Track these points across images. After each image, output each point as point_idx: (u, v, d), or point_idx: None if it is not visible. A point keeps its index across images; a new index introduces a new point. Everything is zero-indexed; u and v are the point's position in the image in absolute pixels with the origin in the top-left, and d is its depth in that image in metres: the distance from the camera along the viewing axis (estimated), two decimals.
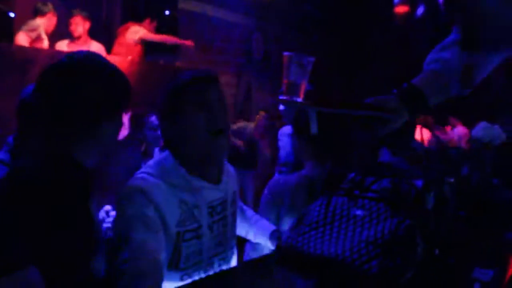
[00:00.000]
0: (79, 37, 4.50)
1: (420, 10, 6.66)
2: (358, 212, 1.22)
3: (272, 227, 1.68)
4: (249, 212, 1.76)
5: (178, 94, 1.34)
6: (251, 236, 1.73)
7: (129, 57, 4.78)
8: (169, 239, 1.27)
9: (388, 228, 1.11)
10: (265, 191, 1.88)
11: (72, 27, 4.45)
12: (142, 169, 1.36)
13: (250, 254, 1.85)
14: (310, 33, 6.31)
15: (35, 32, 4.22)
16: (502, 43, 1.22)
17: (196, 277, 1.34)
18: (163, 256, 1.22)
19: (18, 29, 4.20)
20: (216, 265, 1.41)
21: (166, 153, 1.39)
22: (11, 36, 4.30)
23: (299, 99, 1.17)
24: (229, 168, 1.55)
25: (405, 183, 1.25)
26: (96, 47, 4.60)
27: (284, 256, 1.26)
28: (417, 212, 1.16)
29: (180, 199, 1.31)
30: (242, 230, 1.72)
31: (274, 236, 1.63)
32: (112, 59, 4.43)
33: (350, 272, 1.08)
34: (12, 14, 3.82)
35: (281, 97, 1.17)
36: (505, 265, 1.27)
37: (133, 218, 1.21)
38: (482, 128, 2.49)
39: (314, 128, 1.22)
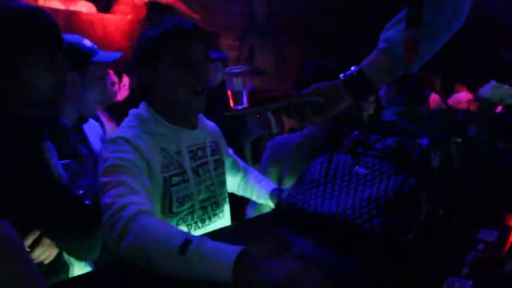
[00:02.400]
0: None
1: None
2: (361, 170, 1.18)
3: (273, 186, 1.66)
4: (254, 173, 1.76)
5: (160, 47, 1.35)
6: (254, 197, 1.73)
7: (129, 16, 4.66)
8: (157, 185, 1.29)
9: (392, 186, 1.07)
10: (266, 151, 1.84)
11: None
12: (122, 123, 1.39)
13: (250, 214, 1.83)
14: None
15: None
16: (447, 20, 1.21)
17: (191, 222, 1.37)
18: (153, 195, 1.23)
19: None
20: (209, 210, 1.44)
21: (141, 105, 1.41)
22: None
23: (242, 106, 1.22)
24: (208, 122, 1.57)
25: (410, 142, 1.21)
26: (85, 5, 4.51)
27: (284, 214, 1.24)
28: (422, 171, 1.12)
29: (161, 147, 1.34)
30: (246, 191, 1.73)
31: (275, 194, 1.61)
32: (109, 18, 4.35)
33: (351, 230, 1.05)
34: None
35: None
36: (510, 226, 1.24)
37: (119, 162, 1.21)
38: (491, 87, 2.43)
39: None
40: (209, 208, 1.44)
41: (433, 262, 1.02)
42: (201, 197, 1.40)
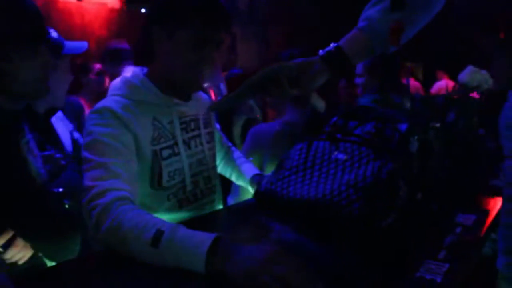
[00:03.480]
0: None
1: None
2: (340, 156, 1.17)
3: (255, 171, 1.65)
4: (236, 153, 1.73)
5: (182, 18, 1.25)
6: (234, 178, 1.71)
7: (108, 4, 4.59)
8: (146, 158, 1.24)
9: (370, 171, 1.07)
10: (247, 140, 1.83)
11: None
12: (109, 92, 1.31)
13: (230, 201, 1.83)
14: None
15: None
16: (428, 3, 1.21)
17: (182, 197, 1.33)
18: (136, 177, 1.19)
19: None
20: (201, 184, 1.40)
21: (133, 71, 1.34)
22: None
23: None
24: (203, 95, 1.53)
25: (389, 127, 1.21)
26: None
27: (263, 200, 1.23)
28: (401, 156, 1.12)
29: (153, 116, 1.29)
30: (226, 170, 1.70)
31: (255, 180, 1.60)
32: (87, 6, 4.27)
33: (330, 215, 1.04)
34: None
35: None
36: (487, 210, 1.25)
37: (103, 138, 1.16)
38: (469, 72, 2.44)
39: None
40: (201, 182, 1.40)
41: (411, 246, 1.02)
42: (193, 171, 1.36)
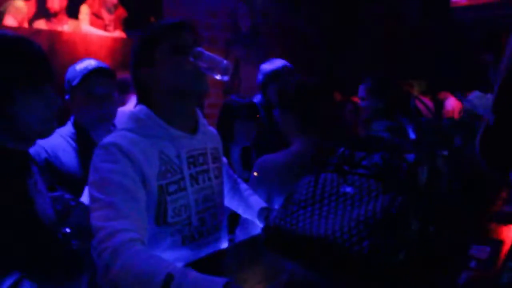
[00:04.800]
0: (55, 15, 4.41)
1: None
2: (348, 190, 1.16)
3: (262, 204, 1.63)
4: (243, 185, 1.72)
5: (154, 39, 1.32)
6: (241, 211, 1.69)
7: (112, 35, 4.65)
8: (151, 195, 1.23)
9: (380, 205, 1.05)
10: (253, 172, 1.81)
11: (49, 5, 4.37)
12: (118, 126, 1.33)
13: (239, 236, 1.80)
14: (298, 6, 6.17)
15: (20, 15, 4.20)
16: None
17: (187, 234, 1.31)
18: (145, 215, 1.18)
19: None
20: (208, 221, 1.37)
21: (138, 107, 1.35)
22: None
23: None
24: (208, 127, 1.52)
25: (397, 158, 1.20)
26: (73, 24, 4.50)
27: (272, 237, 1.21)
28: (410, 188, 1.10)
29: (160, 150, 1.28)
30: (233, 202, 1.69)
31: (263, 214, 1.58)
32: (92, 36, 4.32)
33: (340, 253, 1.02)
34: None
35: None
36: (501, 241, 1.22)
37: (110, 176, 1.16)
38: (474, 97, 2.43)
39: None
40: (208, 219, 1.37)
41: (426, 283, 1.00)
42: (200, 207, 1.34)
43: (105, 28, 4.67)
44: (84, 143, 1.88)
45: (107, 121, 1.92)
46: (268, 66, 3.03)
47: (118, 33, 4.78)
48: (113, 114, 1.95)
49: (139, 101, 1.37)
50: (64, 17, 4.50)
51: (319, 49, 5.87)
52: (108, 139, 1.24)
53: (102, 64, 1.93)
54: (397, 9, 6.21)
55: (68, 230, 1.30)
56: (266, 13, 5.93)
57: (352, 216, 1.07)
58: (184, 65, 1.29)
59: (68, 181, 1.79)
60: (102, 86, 1.89)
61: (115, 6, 4.78)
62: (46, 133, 1.22)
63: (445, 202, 1.22)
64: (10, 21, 4.18)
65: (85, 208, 1.31)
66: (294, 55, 6.09)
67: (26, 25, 4.25)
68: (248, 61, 5.26)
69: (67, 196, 1.41)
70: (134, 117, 1.31)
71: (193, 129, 1.39)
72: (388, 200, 1.06)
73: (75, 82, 1.86)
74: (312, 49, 5.86)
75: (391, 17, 6.11)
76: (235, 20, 5.43)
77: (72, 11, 4.61)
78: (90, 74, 1.86)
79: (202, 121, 1.45)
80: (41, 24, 4.38)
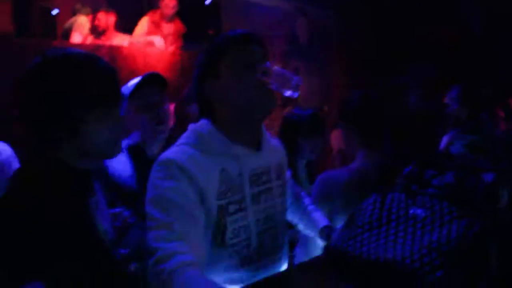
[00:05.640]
0: (104, 32, 4.60)
1: None
2: (418, 212, 1.07)
3: (324, 222, 1.57)
4: (306, 200, 1.66)
5: (221, 51, 1.27)
6: (301, 226, 1.63)
7: (170, 48, 4.75)
8: (210, 214, 1.18)
9: (455, 232, 0.96)
10: (315, 188, 1.75)
11: (96, 22, 4.57)
12: (178, 140, 1.28)
13: (300, 256, 1.74)
14: (354, 20, 6.06)
15: (84, 31, 4.49)
16: None
17: (246, 255, 1.25)
18: (202, 235, 1.15)
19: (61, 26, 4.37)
20: (267, 243, 1.30)
21: (201, 121, 1.31)
22: (54, 32, 4.40)
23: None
24: (273, 141, 1.45)
25: (473, 177, 1.09)
26: (120, 39, 4.67)
27: (334, 260, 1.14)
28: (489, 213, 1.00)
29: (221, 167, 1.23)
30: (294, 217, 1.63)
31: (324, 232, 1.52)
32: (150, 51, 4.45)
33: (412, 282, 0.94)
34: (55, 12, 3.89)
35: None
36: None
37: (169, 194, 1.13)
38: None
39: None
40: (268, 239, 1.31)
41: None
42: (260, 228, 1.28)
43: (165, 39, 4.78)
44: (138, 155, 1.89)
45: (161, 132, 1.90)
46: None
47: (175, 47, 4.88)
48: (166, 124, 1.93)
49: (201, 115, 1.33)
50: (113, 33, 4.68)
51: (376, 66, 5.71)
52: (168, 154, 1.21)
53: (153, 72, 1.93)
54: (459, 18, 5.96)
55: (126, 251, 1.29)
56: (324, 26, 5.87)
57: (423, 243, 0.98)
58: (251, 81, 1.23)
59: (126, 193, 1.80)
60: (153, 94, 1.88)
61: (173, 17, 4.89)
62: (112, 154, 1.21)
63: None
64: (76, 37, 4.38)
65: (143, 226, 1.30)
66: (351, 69, 5.99)
67: (88, 40, 4.44)
68: (306, 73, 5.21)
69: (126, 213, 1.41)
70: (196, 132, 1.27)
71: (257, 146, 1.33)
72: (464, 226, 0.96)
73: (127, 92, 1.87)
74: (370, 66, 5.71)
75: (453, 28, 5.87)
76: (293, 32, 5.40)
77: (126, 26, 4.75)
78: (142, 83, 1.87)
79: (266, 136, 1.39)
80: (90, 40, 4.57)
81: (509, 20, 5.41)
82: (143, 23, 4.75)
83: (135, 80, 1.89)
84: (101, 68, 1.16)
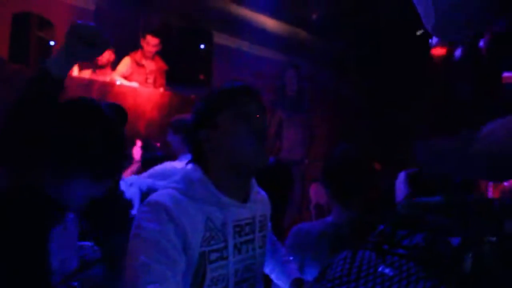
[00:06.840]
0: (102, 67, 4.67)
1: (458, 53, 6.51)
2: (387, 271, 1.10)
3: (296, 274, 1.57)
4: (282, 250, 1.67)
5: (220, 103, 1.32)
6: (273, 276, 1.64)
7: (161, 90, 4.83)
8: (191, 261, 1.19)
9: None
10: (288, 239, 1.77)
11: (99, 57, 4.67)
12: (169, 183, 1.30)
13: None
14: (344, 72, 6.24)
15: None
16: None
17: None
18: (180, 281, 1.15)
19: None
20: None
21: (193, 166, 1.34)
22: None
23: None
24: (260, 190, 1.49)
25: (441, 241, 1.13)
26: (114, 75, 4.76)
27: None
28: (454, 277, 1.03)
29: (207, 216, 1.25)
30: (268, 266, 1.63)
31: (295, 285, 1.52)
32: (140, 89, 4.52)
33: None
34: (52, 43, 3.96)
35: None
36: None
37: (152, 236, 1.14)
38: None
39: None
40: None
41: None
42: (238, 278, 1.30)
43: (146, 78, 4.87)
44: None
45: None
46: None
47: (164, 88, 4.97)
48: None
49: (193, 160, 1.37)
50: (108, 70, 4.75)
51: (364, 118, 5.86)
52: (157, 197, 1.23)
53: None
54: (444, 79, 6.17)
55: (75, 284, 1.28)
56: (312, 78, 6.03)
57: None
58: (247, 135, 1.29)
59: None
60: None
61: (154, 56, 4.97)
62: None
63: None
64: (75, 71, 4.43)
65: (107, 267, 1.31)
66: (338, 123, 6.12)
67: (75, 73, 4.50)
68: (290, 124, 5.30)
69: (96, 248, 1.41)
70: (186, 179, 1.30)
71: (244, 198, 1.37)
72: (430, 286, 0.99)
73: None
74: (356, 118, 5.86)
75: (439, 86, 6.07)
76: (282, 82, 5.53)
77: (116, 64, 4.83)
78: None
79: (255, 189, 1.43)
80: (86, 74, 4.62)
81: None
82: (126, 62, 4.84)
83: None
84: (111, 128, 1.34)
